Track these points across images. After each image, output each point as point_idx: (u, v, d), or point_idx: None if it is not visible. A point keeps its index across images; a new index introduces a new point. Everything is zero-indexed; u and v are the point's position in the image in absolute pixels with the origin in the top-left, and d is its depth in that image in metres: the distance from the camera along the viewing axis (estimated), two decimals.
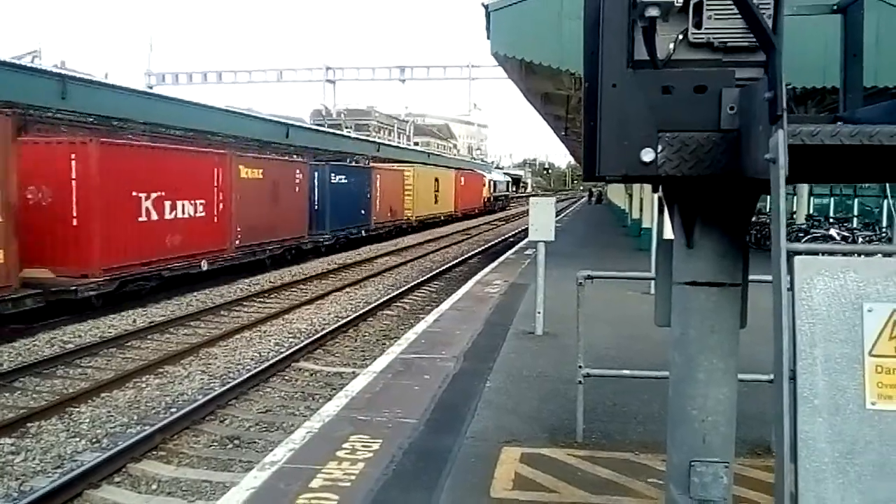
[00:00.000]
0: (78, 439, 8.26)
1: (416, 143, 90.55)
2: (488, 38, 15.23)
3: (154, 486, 7.12)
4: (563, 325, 9.83)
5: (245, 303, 17.32)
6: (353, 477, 5.19)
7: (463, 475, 5.28)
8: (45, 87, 24.51)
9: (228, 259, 20.82)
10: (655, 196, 16.70)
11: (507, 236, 39.20)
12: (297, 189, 25.98)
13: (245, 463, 7.53)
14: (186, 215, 18.82)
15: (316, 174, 28.33)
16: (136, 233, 16.71)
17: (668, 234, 12.88)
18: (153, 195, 17.34)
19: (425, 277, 21.55)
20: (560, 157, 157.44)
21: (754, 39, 2.60)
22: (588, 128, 2.93)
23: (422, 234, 40.20)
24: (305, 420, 7.05)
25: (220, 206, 20.36)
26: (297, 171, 26.36)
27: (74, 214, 15.20)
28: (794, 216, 24.03)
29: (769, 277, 4.91)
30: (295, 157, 30.42)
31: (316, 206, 28.09)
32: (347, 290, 19.60)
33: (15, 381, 10.39)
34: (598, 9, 2.67)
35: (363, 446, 5.79)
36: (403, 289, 19.17)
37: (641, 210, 25.34)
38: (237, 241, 21.20)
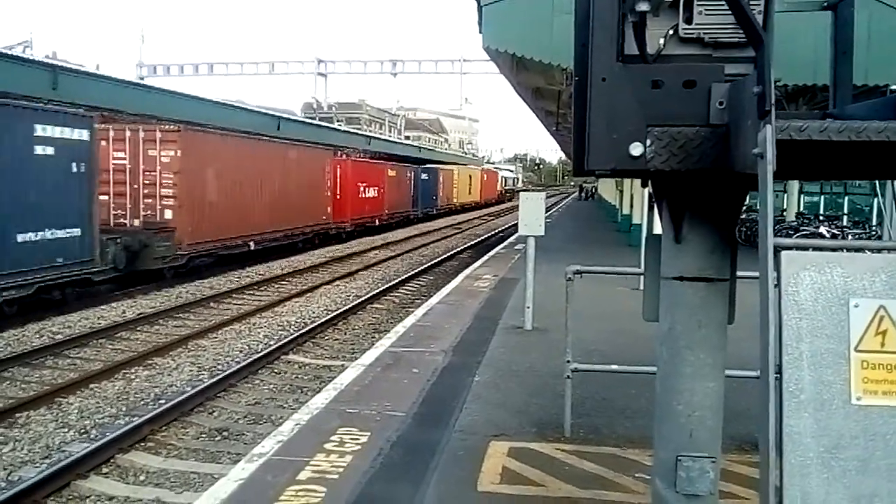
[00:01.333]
0: (66, 430, 8.25)
1: (408, 137, 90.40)
2: (480, 32, 15.22)
3: (142, 477, 7.11)
4: (552, 320, 9.84)
5: (235, 295, 17.29)
6: (340, 469, 5.19)
7: (450, 469, 5.28)
8: (36, 77, 24.31)
9: (384, 220, 37.96)
10: (645, 192, 16.75)
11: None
12: (409, 182, 44.76)
13: (233, 455, 7.52)
14: (370, 195, 35.95)
15: (414, 173, 46.16)
16: (359, 203, 34.01)
17: (658, 229, 12.90)
18: (362, 185, 34.60)
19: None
20: (551, 152, 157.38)
21: (743, 34, 2.60)
22: (577, 122, 2.92)
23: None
24: (294, 412, 7.05)
25: (383, 191, 37.94)
26: (409, 172, 45.05)
27: (338, 195, 31.13)
28: (784, 214, 24.12)
29: (757, 273, 4.93)
30: (407, 164, 46.90)
31: (412, 193, 45.54)
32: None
33: (4, 371, 10.37)
34: (589, 3, 2.66)
35: (351, 439, 5.79)
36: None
37: (632, 206, 25.40)
38: (387, 211, 38.69)
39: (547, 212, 14.75)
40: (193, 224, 19.54)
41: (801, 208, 27.74)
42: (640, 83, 2.60)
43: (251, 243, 22.74)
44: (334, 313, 14.74)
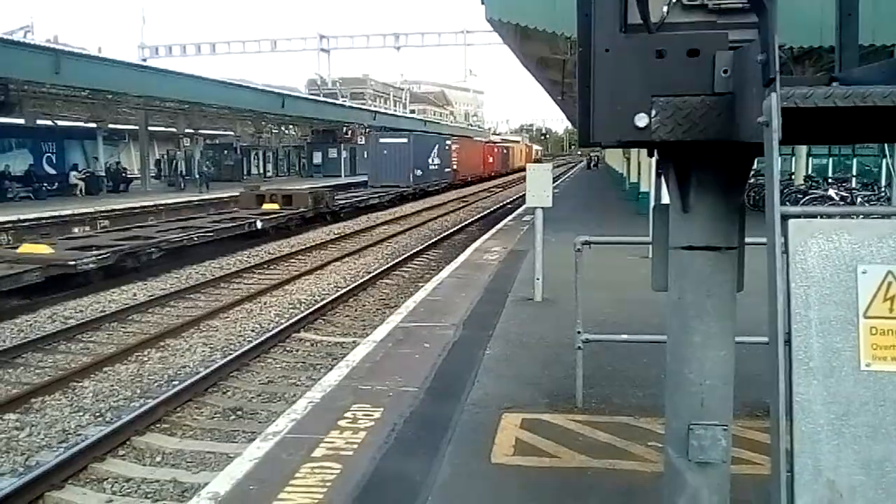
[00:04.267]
0: (82, 414, 8.32)
1: (413, 111, 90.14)
2: (482, 2, 15.09)
3: (158, 459, 7.18)
4: (561, 291, 9.85)
5: (245, 274, 17.35)
6: (355, 445, 5.23)
7: (464, 442, 5.32)
8: (38, 61, 24.37)
9: (487, 175, 63.96)
10: (653, 160, 16.68)
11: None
12: (499, 153, 74.75)
13: (248, 434, 7.58)
14: (490, 161, 67.11)
15: (500, 149, 74.50)
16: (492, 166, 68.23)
17: (666, 198, 12.84)
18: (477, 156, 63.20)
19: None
20: (557, 122, 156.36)
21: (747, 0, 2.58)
22: (582, 93, 2.91)
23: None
24: (307, 390, 7.10)
25: (489, 160, 66.63)
26: (500, 148, 75.02)
27: (489, 159, 67.89)
28: (793, 177, 23.99)
29: (763, 240, 4.92)
30: (503, 142, 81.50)
31: (501, 160, 73.13)
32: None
33: (17, 356, 10.44)
34: None
35: (364, 415, 5.84)
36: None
37: (639, 174, 25.30)
38: (490, 171, 65.38)
39: (554, 182, 14.66)
40: (461, 168, 51.99)
41: (810, 171, 27.57)
42: (644, 53, 2.58)
43: (469, 177, 55.76)
44: (344, 290, 14.77)
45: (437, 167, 46.03)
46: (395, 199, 37.12)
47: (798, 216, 2.07)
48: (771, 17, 2.22)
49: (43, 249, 16.12)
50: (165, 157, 48.70)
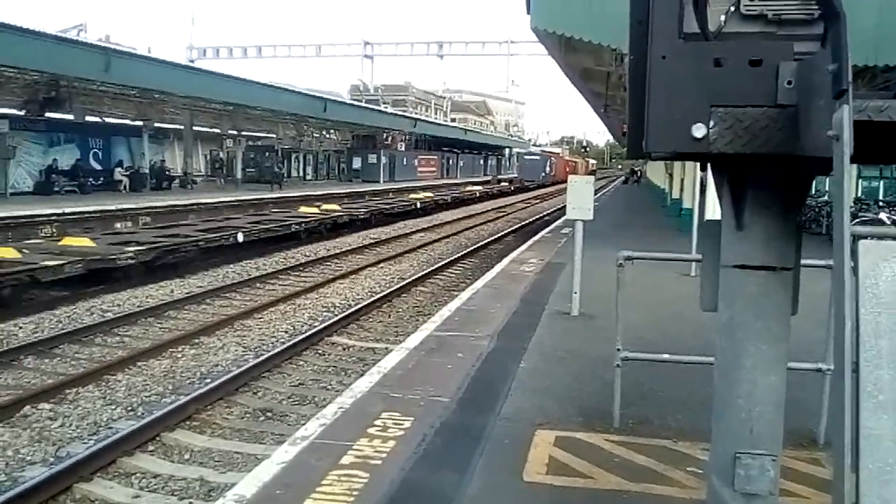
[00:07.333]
0: (114, 407, 8.34)
1: (454, 119, 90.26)
2: (528, 12, 14.99)
3: (186, 456, 7.15)
4: (599, 306, 9.69)
5: (280, 276, 17.39)
6: (383, 454, 5.13)
7: (495, 457, 5.20)
8: (89, 60, 24.74)
9: (549, 182, 71.14)
10: (697, 176, 16.41)
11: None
12: (568, 166, 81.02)
13: (277, 436, 7.53)
14: (568, 171, 69.94)
15: (572, 162, 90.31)
16: (566, 172, 59.87)
17: (710, 214, 12.67)
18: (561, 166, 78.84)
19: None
20: (598, 134, 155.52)
21: (810, 11, 2.45)
22: (634, 102, 2.78)
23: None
24: (337, 395, 7.03)
25: (564, 169, 73.78)
26: (572, 162, 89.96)
27: (566, 169, 74.05)
28: None
29: (820, 262, 4.71)
30: (574, 158, 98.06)
31: (567, 170, 73.46)
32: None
33: (55, 347, 10.54)
34: None
35: (394, 424, 5.74)
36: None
37: (681, 190, 24.97)
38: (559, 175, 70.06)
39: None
40: (555, 174, 73.22)
41: (860, 193, 26.97)
42: (703, 61, 2.46)
43: (556, 180, 69.88)
44: (379, 295, 14.72)
45: (547, 172, 73.66)
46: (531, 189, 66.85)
47: (869, 237, 1.93)
48: (843, 25, 2.10)
49: (85, 243, 16.52)
50: (209, 156, 49.26)
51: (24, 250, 15.35)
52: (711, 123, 2.45)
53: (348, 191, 40.23)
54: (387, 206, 33.25)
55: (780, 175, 2.76)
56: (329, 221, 26.19)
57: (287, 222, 23.79)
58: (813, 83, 2.25)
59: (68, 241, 16.87)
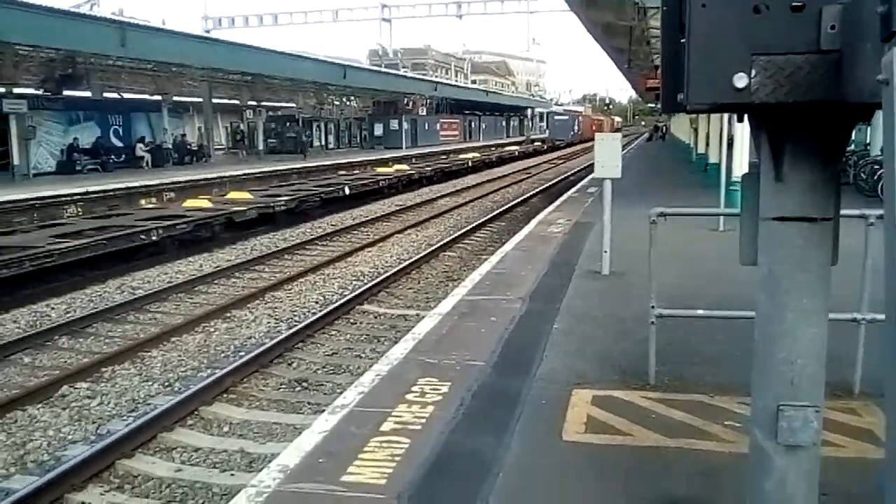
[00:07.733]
0: (150, 383, 8.45)
1: (474, 81, 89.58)
2: None
3: (226, 429, 7.25)
4: (629, 264, 9.64)
5: (308, 246, 17.47)
6: (423, 420, 5.16)
7: (534, 418, 5.21)
8: (105, 34, 24.70)
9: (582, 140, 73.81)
10: (724, 130, 16.17)
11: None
12: (595, 124, 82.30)
13: (314, 405, 7.60)
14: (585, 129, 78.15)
15: (597, 120, 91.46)
16: (592, 130, 64.62)
17: (737, 168, 12.47)
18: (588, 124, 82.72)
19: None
20: (621, 91, 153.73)
21: None
22: (669, 53, 2.72)
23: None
24: (373, 363, 7.06)
25: (592, 128, 75.79)
26: (599, 121, 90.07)
27: (592, 127, 75.48)
28: (868, 148, 23.04)
29: (854, 212, 4.64)
30: (599, 116, 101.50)
31: (593, 128, 73.45)
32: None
33: (89, 326, 10.68)
34: None
35: (432, 389, 5.76)
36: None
37: (707, 145, 24.65)
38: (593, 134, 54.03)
39: None
40: (582, 132, 76.59)
41: None
42: (743, 8, 2.39)
43: (583, 138, 72.40)
44: (407, 262, 14.75)
45: (575, 131, 77.69)
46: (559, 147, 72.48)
47: None
48: None
49: (204, 203, 20.64)
50: (230, 128, 49.27)
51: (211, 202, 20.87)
52: (753, 73, 2.39)
53: (393, 156, 42.08)
54: (445, 165, 40.09)
55: (820, 124, 2.70)
56: (405, 178, 32.32)
57: (375, 179, 29.62)
58: (859, 26, 2.19)
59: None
